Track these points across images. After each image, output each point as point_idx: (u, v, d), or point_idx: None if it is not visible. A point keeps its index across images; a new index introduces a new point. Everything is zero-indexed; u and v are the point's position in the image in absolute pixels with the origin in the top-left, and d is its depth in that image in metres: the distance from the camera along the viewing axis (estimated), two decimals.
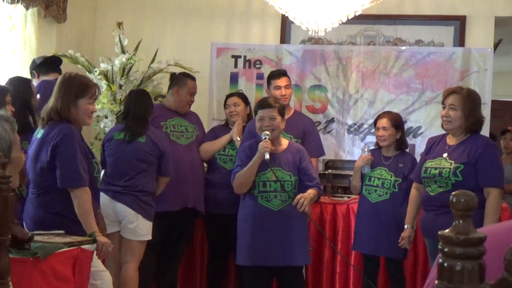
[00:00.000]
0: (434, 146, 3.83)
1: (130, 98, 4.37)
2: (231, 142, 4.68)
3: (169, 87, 4.76)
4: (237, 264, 4.10)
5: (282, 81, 4.59)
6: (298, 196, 3.75)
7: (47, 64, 4.72)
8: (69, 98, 3.24)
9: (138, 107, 4.26)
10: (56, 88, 3.30)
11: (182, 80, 4.71)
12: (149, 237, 4.17)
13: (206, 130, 4.98)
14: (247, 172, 3.82)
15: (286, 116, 4.54)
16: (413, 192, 3.98)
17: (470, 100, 3.68)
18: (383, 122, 4.29)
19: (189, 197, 4.55)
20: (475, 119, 3.69)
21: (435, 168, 3.70)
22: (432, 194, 3.72)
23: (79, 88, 3.27)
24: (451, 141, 3.77)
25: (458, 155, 3.67)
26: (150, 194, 4.17)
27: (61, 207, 3.20)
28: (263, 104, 3.93)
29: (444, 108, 3.73)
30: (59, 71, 4.61)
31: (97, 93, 3.37)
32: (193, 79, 4.77)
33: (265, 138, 3.79)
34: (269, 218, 3.82)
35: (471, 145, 3.66)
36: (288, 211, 3.82)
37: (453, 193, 0.94)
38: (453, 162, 3.67)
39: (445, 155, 3.72)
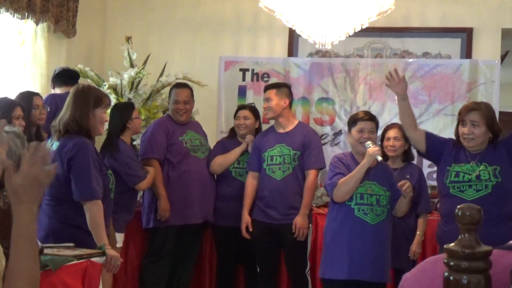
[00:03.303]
0: (455, 151, 3.69)
1: None
2: (244, 154, 4.70)
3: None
4: (323, 278, 3.85)
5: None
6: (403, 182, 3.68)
7: (61, 77, 4.74)
8: (88, 108, 3.35)
9: None
10: (71, 100, 3.36)
11: (170, 90, 4.75)
12: (120, 244, 4.19)
13: (214, 143, 4.99)
14: (355, 177, 3.69)
15: (289, 128, 4.51)
16: None
17: (490, 113, 3.64)
18: (395, 132, 4.27)
19: (209, 210, 4.63)
20: (497, 131, 3.64)
21: (469, 174, 3.59)
22: (469, 199, 3.49)
23: (96, 98, 3.39)
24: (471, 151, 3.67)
25: (490, 159, 3.59)
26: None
27: (75, 218, 3.25)
28: (364, 116, 3.86)
29: (463, 125, 3.63)
30: (72, 85, 4.63)
31: (109, 103, 3.56)
32: (178, 86, 4.73)
33: (369, 147, 3.70)
34: (366, 231, 3.71)
35: (496, 148, 3.61)
36: (383, 226, 3.76)
37: (458, 206, 0.96)
38: (487, 165, 3.58)
39: (472, 163, 3.62)
